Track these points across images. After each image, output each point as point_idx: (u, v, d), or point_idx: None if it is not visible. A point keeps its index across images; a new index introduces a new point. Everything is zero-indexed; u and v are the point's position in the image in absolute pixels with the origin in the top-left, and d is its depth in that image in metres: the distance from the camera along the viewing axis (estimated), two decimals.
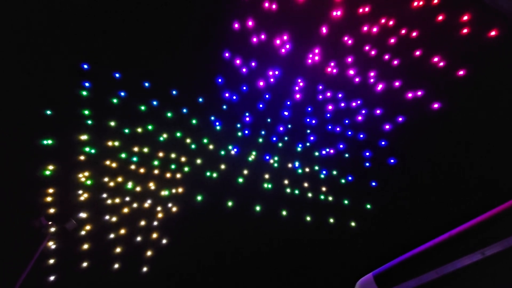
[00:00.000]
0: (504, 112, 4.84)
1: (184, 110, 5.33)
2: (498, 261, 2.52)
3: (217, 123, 5.42)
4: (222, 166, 5.51)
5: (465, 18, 4.71)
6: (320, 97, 5.35)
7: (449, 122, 5.03)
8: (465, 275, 2.57)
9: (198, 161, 5.48)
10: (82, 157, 5.07)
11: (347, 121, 5.36)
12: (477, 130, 4.95)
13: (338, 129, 5.41)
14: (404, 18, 4.84)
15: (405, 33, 4.90)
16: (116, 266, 5.17)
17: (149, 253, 5.28)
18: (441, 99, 5.02)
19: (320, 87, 5.30)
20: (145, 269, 5.23)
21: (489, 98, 4.87)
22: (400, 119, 5.19)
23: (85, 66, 4.88)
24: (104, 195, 5.21)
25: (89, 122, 5.03)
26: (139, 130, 5.27)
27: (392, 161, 5.26)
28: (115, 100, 5.09)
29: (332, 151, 5.37)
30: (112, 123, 5.15)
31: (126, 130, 5.21)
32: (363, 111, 5.29)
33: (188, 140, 5.44)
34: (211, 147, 5.49)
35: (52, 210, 4.94)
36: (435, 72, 4.97)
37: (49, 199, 4.94)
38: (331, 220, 5.40)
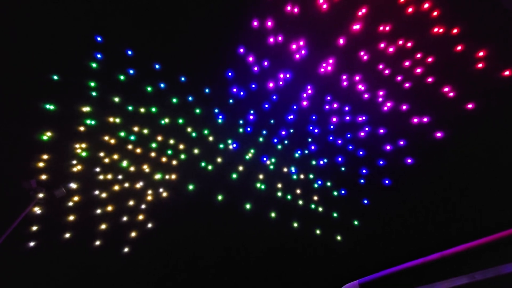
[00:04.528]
0: (505, 153, 4.86)
1: (190, 98, 5.31)
2: (487, 286, 2.54)
3: (220, 116, 5.41)
4: (219, 159, 5.50)
5: (481, 54, 4.71)
6: (327, 107, 5.34)
7: (450, 153, 5.04)
8: None
9: (196, 150, 5.47)
10: (81, 128, 5.04)
11: (349, 135, 5.36)
12: (478, 164, 4.96)
13: (339, 141, 5.41)
14: (422, 43, 4.84)
15: (420, 57, 4.90)
16: (98, 242, 5.15)
17: (133, 234, 5.26)
18: (446, 129, 5.03)
19: (328, 97, 5.29)
20: (126, 249, 5.22)
21: (494, 136, 4.88)
22: (402, 142, 5.19)
23: (99, 39, 4.84)
24: (97, 169, 5.18)
25: (94, 94, 5.00)
26: (142, 110, 5.25)
27: (387, 182, 5.27)
28: (122, 77, 5.06)
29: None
30: (116, 99, 5.12)
31: (130, 108, 5.18)
32: (367, 128, 5.29)
33: (189, 129, 5.43)
34: (210, 138, 5.48)
35: (44, 177, 4.91)
36: (444, 102, 4.97)
37: (41, 164, 4.91)
38: (318, 231, 5.41)
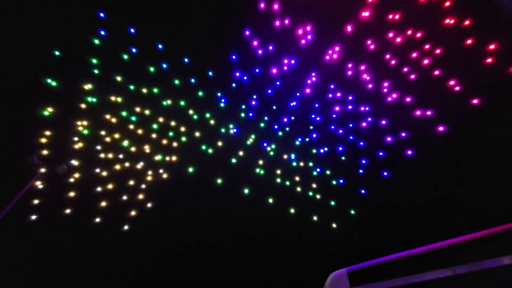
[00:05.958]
0: (506, 149, 4.85)
1: (192, 80, 5.27)
2: (467, 280, 2.67)
3: (223, 100, 5.38)
4: (219, 143, 5.52)
5: (492, 47, 4.61)
6: (330, 96, 5.30)
7: (451, 148, 5.04)
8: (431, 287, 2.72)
9: (197, 133, 5.48)
10: (83, 105, 5.03)
11: (351, 125, 5.35)
12: (477, 160, 4.96)
13: (340, 131, 5.40)
14: (432, 34, 4.73)
15: (428, 48, 4.81)
16: (98, 220, 5.25)
17: (132, 213, 5.36)
18: (448, 123, 5.00)
19: (332, 86, 5.24)
20: (126, 227, 5.33)
21: (497, 132, 4.85)
22: (403, 134, 5.18)
23: (101, 15, 4.75)
24: (98, 148, 5.22)
25: (96, 71, 4.96)
26: (144, 90, 5.22)
27: (385, 173, 5.30)
28: (125, 56, 5.00)
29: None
30: (119, 78, 5.08)
31: (131, 87, 5.15)
32: (369, 119, 5.26)
33: (190, 111, 5.41)
34: (212, 122, 5.47)
35: (45, 152, 4.95)
36: (449, 95, 4.92)
37: (43, 140, 4.94)
38: (315, 218, 5.49)
